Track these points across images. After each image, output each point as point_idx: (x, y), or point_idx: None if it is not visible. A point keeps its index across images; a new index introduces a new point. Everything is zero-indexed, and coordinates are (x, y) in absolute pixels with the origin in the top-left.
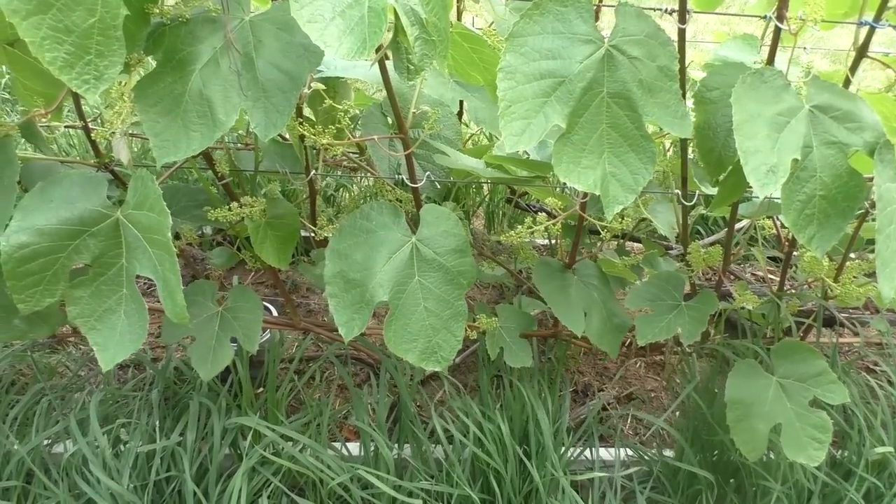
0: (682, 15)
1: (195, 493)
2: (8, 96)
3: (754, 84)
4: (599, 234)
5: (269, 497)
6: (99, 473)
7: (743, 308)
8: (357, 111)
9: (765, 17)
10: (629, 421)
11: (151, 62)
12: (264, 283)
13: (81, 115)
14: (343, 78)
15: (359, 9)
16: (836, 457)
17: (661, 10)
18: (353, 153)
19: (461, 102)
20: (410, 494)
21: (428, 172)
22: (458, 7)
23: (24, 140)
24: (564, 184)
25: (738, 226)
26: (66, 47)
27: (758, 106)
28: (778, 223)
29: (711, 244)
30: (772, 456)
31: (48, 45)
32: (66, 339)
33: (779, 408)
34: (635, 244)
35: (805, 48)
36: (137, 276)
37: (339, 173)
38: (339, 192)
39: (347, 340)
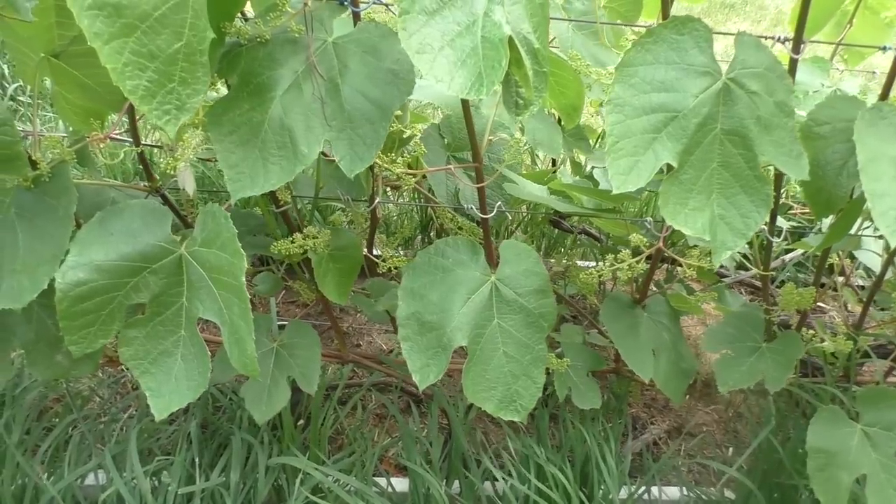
0: (797, 44)
1: None
2: (50, 113)
3: (873, 121)
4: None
5: None
6: None
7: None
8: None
9: (884, 48)
10: (682, 455)
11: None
12: (296, 302)
13: (136, 138)
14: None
15: (470, 38)
16: None
17: (773, 38)
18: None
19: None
20: None
21: (499, 203)
22: None
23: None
24: (643, 216)
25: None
26: (148, 74)
27: (880, 144)
28: (840, 255)
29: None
30: None
31: (129, 72)
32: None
33: (863, 458)
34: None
35: (875, 73)
36: None
37: (400, 200)
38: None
39: (422, 388)
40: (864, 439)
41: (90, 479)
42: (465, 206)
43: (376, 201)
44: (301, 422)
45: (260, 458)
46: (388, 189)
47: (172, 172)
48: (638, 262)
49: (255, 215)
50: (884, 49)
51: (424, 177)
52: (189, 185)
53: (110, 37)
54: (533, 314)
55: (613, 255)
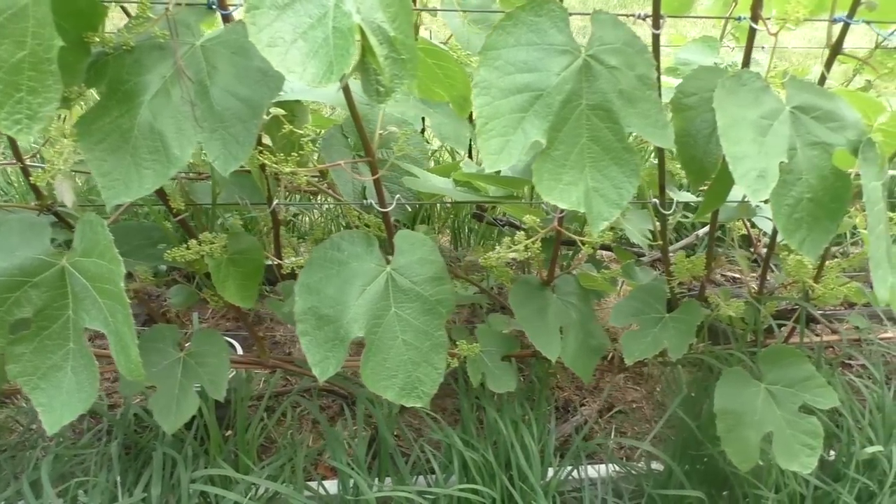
0: (657, 20)
1: None
2: None
3: (733, 88)
4: (573, 244)
5: None
6: None
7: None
8: (316, 134)
9: (738, 18)
10: (613, 435)
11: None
12: (227, 316)
13: (18, 154)
14: (300, 100)
15: (322, 29)
16: (827, 459)
17: (634, 15)
18: (315, 177)
19: (423, 119)
20: None
21: (398, 196)
22: (416, 21)
23: None
24: (539, 199)
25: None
26: None
27: (740, 110)
28: (747, 224)
29: (683, 249)
30: (761, 463)
31: None
32: (15, 392)
33: (769, 415)
34: (604, 252)
35: (763, 47)
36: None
37: (301, 200)
38: (298, 218)
39: (322, 381)
40: (769, 397)
41: None
42: (366, 201)
43: (274, 203)
44: (229, 432)
45: (182, 471)
46: (300, 192)
47: (45, 185)
48: (534, 243)
49: (158, 227)
50: (739, 19)
51: (323, 176)
52: (68, 197)
53: None
54: (430, 301)
55: (510, 238)
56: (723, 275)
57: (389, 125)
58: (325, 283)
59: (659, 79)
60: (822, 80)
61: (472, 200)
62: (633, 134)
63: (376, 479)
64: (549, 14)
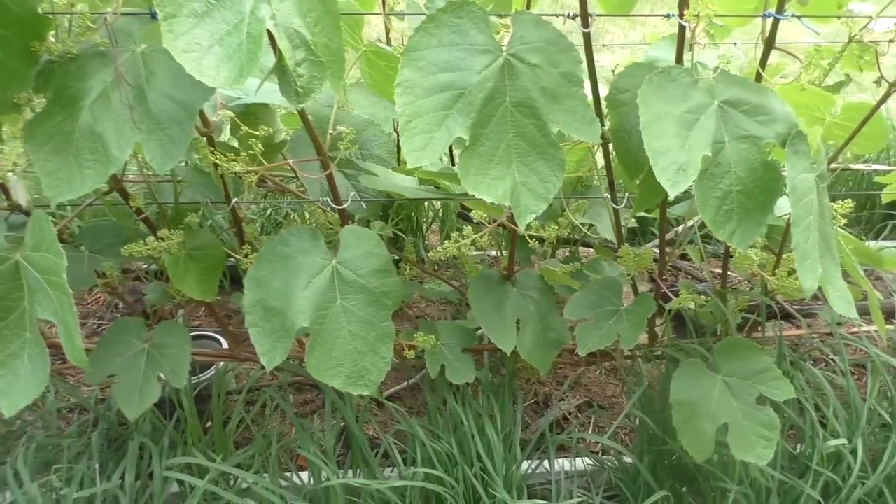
0: (585, 18)
1: None
2: None
3: (661, 83)
4: (571, 243)
5: None
6: None
7: (690, 308)
8: (286, 135)
9: (667, 15)
10: (591, 430)
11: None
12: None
13: None
14: (268, 104)
15: (237, 35)
16: (793, 452)
17: (563, 15)
18: (289, 176)
19: (395, 121)
20: None
21: (353, 192)
22: (386, 27)
23: None
24: None
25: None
26: None
27: (665, 105)
28: None
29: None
30: (726, 458)
31: None
32: None
33: (725, 407)
34: (590, 250)
35: (735, 43)
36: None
37: (269, 199)
38: (287, 219)
39: (269, 369)
40: (725, 389)
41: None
42: (320, 199)
43: (232, 202)
44: (209, 424)
45: (155, 459)
46: (271, 191)
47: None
48: (482, 237)
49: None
50: (668, 16)
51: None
52: (22, 196)
53: None
54: (375, 293)
55: (458, 232)
56: (706, 270)
57: (343, 126)
58: (272, 277)
59: (593, 76)
60: (758, 76)
61: (429, 198)
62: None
63: (351, 471)
64: (469, 15)
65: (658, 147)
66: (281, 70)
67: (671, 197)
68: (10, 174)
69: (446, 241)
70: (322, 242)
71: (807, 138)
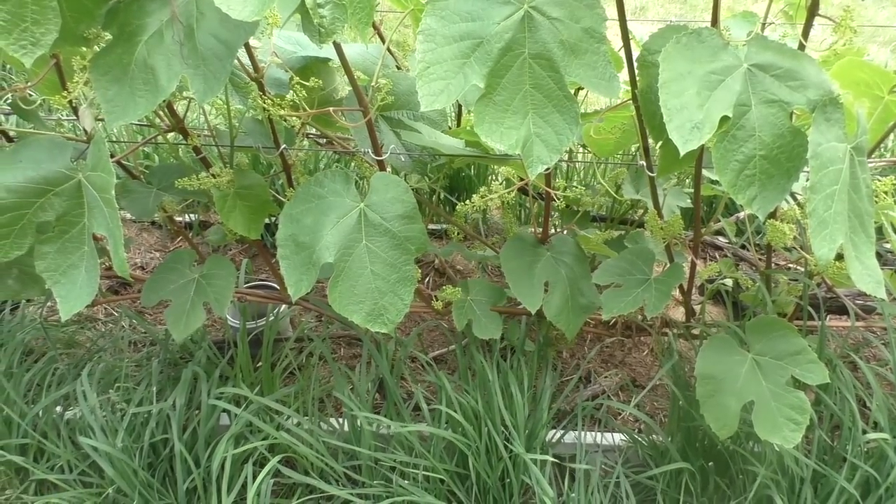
0: None
1: (181, 453)
2: None
3: (690, 44)
4: (605, 220)
5: (254, 463)
6: (96, 434)
7: (725, 285)
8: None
9: None
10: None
11: None
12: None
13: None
14: (328, 61)
15: None
16: (831, 444)
17: None
18: (348, 138)
19: None
20: (391, 469)
21: (393, 146)
22: None
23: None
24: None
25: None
26: (1, 14)
27: (689, 64)
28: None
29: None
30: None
31: None
32: (94, 317)
33: (752, 385)
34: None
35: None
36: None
37: (309, 148)
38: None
39: (295, 299)
40: (755, 367)
41: (70, 414)
42: (362, 150)
43: (282, 147)
44: (259, 364)
45: (204, 388)
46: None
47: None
48: (510, 193)
49: (192, 167)
50: None
51: None
52: (87, 122)
53: None
54: (398, 237)
55: (487, 188)
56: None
57: (383, 80)
58: (304, 214)
59: (626, 36)
60: (801, 45)
61: (469, 156)
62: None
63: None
64: None
65: (675, 105)
66: (304, 10)
67: (681, 154)
68: (80, 102)
69: (474, 196)
70: (353, 186)
71: (842, 107)
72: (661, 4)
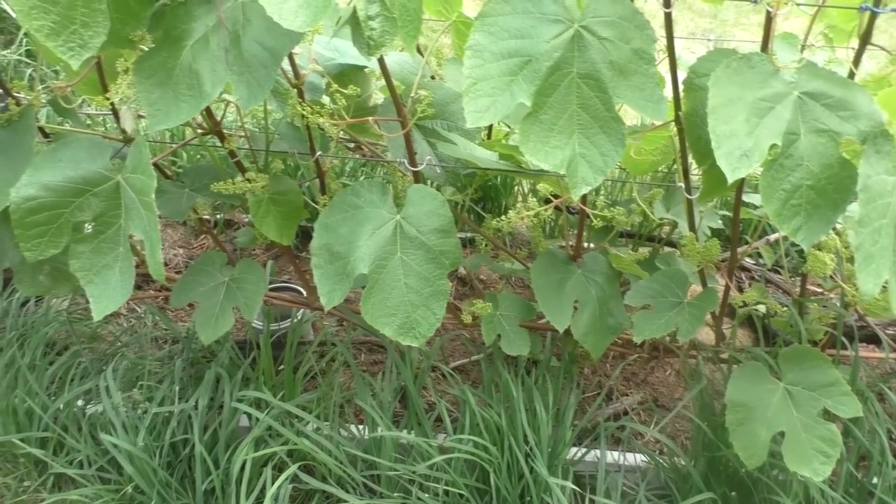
0: None
1: (201, 454)
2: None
3: (739, 69)
4: (632, 236)
5: (273, 468)
6: (117, 431)
7: (758, 311)
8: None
9: (755, 1)
10: (653, 427)
11: None
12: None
13: (106, 91)
14: (364, 68)
15: None
16: (859, 478)
17: None
18: (382, 145)
19: None
20: (410, 481)
21: (429, 157)
22: None
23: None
24: None
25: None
26: (51, 17)
27: (739, 90)
28: None
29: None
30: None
31: (35, 14)
32: (118, 312)
33: (784, 415)
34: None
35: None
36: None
37: (344, 155)
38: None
39: (327, 309)
40: (786, 397)
41: (91, 409)
42: (398, 160)
43: (317, 154)
44: (281, 367)
45: (227, 389)
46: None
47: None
48: (547, 211)
49: (227, 169)
50: (755, 2)
51: None
52: (129, 124)
53: None
54: (433, 251)
55: (524, 202)
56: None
57: (423, 91)
58: (340, 224)
59: (672, 56)
60: (851, 73)
61: (502, 170)
62: None
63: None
64: None
65: (724, 131)
66: (355, 21)
67: (729, 182)
68: (122, 104)
69: (510, 212)
70: (390, 198)
71: (892, 139)
72: (690, 18)
